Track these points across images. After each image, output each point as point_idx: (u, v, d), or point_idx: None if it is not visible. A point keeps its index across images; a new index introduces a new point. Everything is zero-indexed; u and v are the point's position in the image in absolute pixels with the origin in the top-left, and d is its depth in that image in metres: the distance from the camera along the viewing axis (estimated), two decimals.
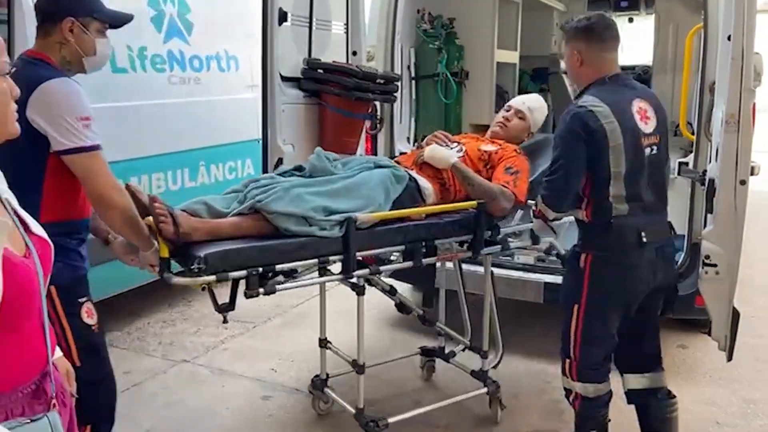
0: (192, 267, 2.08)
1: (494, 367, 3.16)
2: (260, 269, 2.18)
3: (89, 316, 2.13)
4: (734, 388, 3.39)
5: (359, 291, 2.62)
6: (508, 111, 3.17)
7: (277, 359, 3.73)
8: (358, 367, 2.71)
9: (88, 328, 2.15)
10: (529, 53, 5.73)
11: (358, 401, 2.74)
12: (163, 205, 2.11)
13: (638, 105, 2.38)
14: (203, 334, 4.11)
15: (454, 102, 4.71)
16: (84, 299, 2.15)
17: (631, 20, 6.77)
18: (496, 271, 3.26)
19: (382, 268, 2.63)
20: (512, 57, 5.29)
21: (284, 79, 3.30)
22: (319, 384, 3.09)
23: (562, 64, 6.16)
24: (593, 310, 2.43)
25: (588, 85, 2.42)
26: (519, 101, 3.22)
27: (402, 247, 2.55)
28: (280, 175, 2.61)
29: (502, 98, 5.03)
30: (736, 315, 2.59)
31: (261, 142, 3.80)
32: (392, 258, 2.91)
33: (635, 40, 7.80)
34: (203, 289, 2.18)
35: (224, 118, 4.51)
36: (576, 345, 2.48)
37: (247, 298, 2.22)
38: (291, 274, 2.39)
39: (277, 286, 2.28)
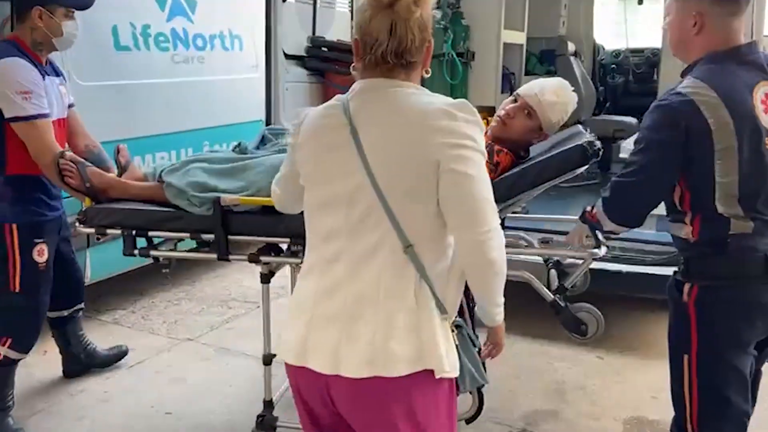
0: (78, 218, 2.40)
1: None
2: (133, 231, 2.34)
3: (39, 255, 2.59)
4: None
5: (263, 278, 2.42)
6: (514, 102, 2.33)
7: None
8: (265, 357, 2.51)
9: (36, 264, 2.64)
10: (537, 34, 5.68)
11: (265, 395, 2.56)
12: (69, 161, 2.45)
13: (766, 90, 1.75)
14: (207, 313, 4.13)
15: (460, 83, 4.68)
16: (39, 241, 2.61)
17: (640, 2, 6.68)
18: None
19: (263, 258, 2.35)
20: (519, 38, 5.24)
21: (288, 57, 3.28)
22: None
23: (571, 46, 6.18)
24: (710, 360, 1.81)
25: (697, 60, 1.81)
26: (531, 90, 2.30)
27: (287, 240, 2.27)
28: (234, 149, 2.61)
29: (508, 80, 4.99)
30: None
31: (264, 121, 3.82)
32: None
33: (645, 24, 7.73)
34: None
35: (228, 98, 4.50)
36: (694, 413, 1.84)
37: (125, 255, 2.41)
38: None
39: (152, 252, 2.42)
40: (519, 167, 2.22)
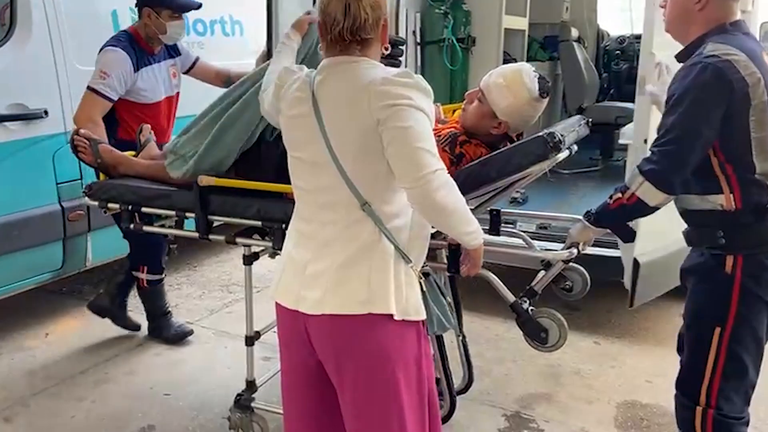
0: (84, 191, 2.54)
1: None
2: (129, 207, 2.44)
3: None
4: None
5: (245, 260, 2.43)
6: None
7: None
8: (247, 338, 2.53)
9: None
10: (539, 20, 5.63)
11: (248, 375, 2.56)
12: (83, 138, 2.59)
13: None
14: (207, 297, 4.17)
15: (460, 69, 4.66)
16: None
17: None
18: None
19: (238, 240, 2.36)
20: (521, 23, 5.20)
21: None
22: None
23: (574, 32, 6.11)
24: (744, 333, 1.85)
25: (702, 35, 1.86)
26: (486, 76, 2.23)
27: (258, 223, 2.27)
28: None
29: None
30: None
31: None
32: None
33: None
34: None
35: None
36: (715, 386, 1.88)
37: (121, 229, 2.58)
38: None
39: (145, 227, 2.52)
40: (481, 158, 2.14)
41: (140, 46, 3.18)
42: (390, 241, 1.61)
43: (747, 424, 1.96)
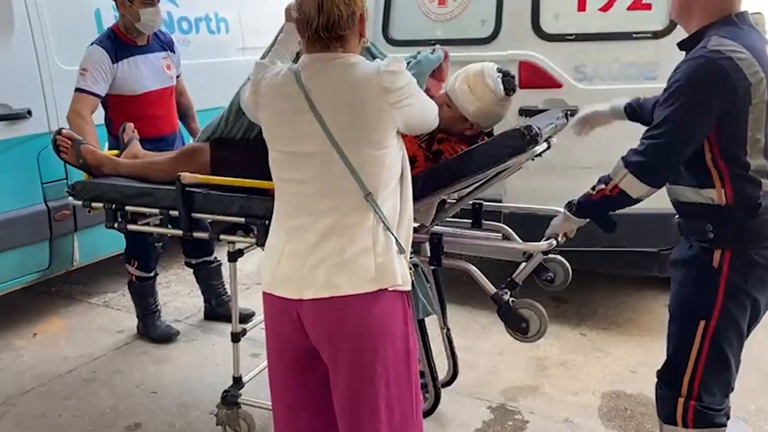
0: (65, 190, 2.54)
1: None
2: (113, 206, 2.43)
3: None
4: None
5: (229, 257, 2.44)
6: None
7: None
8: (233, 335, 2.54)
9: None
10: None
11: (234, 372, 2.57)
12: (65, 138, 2.60)
13: None
14: (196, 295, 4.15)
15: None
16: None
17: None
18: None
19: (222, 237, 2.37)
20: None
21: None
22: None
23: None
24: (728, 327, 1.86)
25: (707, 26, 1.82)
26: (452, 79, 2.22)
27: (241, 220, 2.26)
28: None
29: None
30: None
31: None
32: None
33: None
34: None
35: (214, 82, 4.48)
36: (697, 378, 1.89)
37: (107, 228, 2.52)
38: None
39: (129, 226, 2.50)
40: (460, 153, 2.17)
41: (120, 39, 3.22)
42: (388, 229, 1.67)
43: (727, 416, 1.96)
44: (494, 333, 3.48)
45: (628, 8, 3.34)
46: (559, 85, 3.42)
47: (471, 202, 2.53)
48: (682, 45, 1.90)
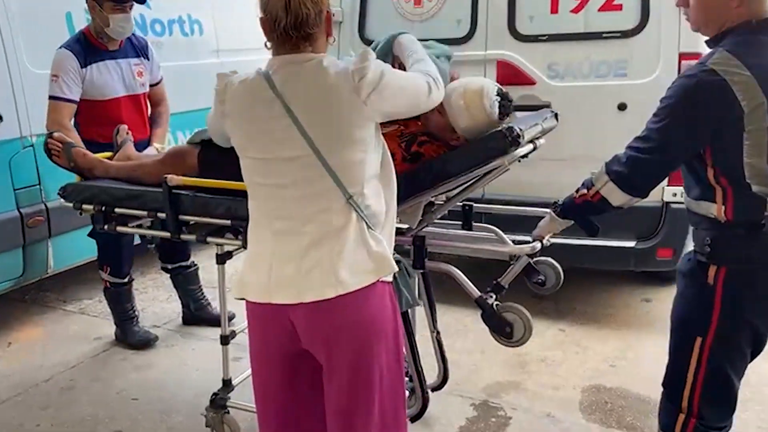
0: (57, 192, 2.51)
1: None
2: (102, 208, 2.41)
3: None
4: None
5: (218, 259, 2.44)
6: None
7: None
8: (222, 338, 2.55)
9: None
10: None
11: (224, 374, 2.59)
12: (56, 142, 2.63)
13: None
14: (174, 300, 4.10)
15: None
16: None
17: None
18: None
19: (209, 239, 2.36)
20: None
21: None
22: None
23: None
24: (726, 347, 1.79)
25: (725, 31, 1.71)
26: (451, 86, 2.11)
27: (227, 222, 2.25)
28: None
29: None
30: None
31: None
32: None
33: None
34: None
35: (188, 84, 4.44)
36: (696, 394, 1.83)
37: (99, 231, 2.50)
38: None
39: (119, 228, 2.49)
40: (442, 155, 2.12)
41: (90, 42, 3.16)
42: (370, 228, 1.66)
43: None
44: (475, 331, 3.51)
45: (599, 9, 3.43)
46: (533, 83, 3.54)
47: (461, 203, 2.48)
48: (708, 44, 1.79)
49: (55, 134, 2.67)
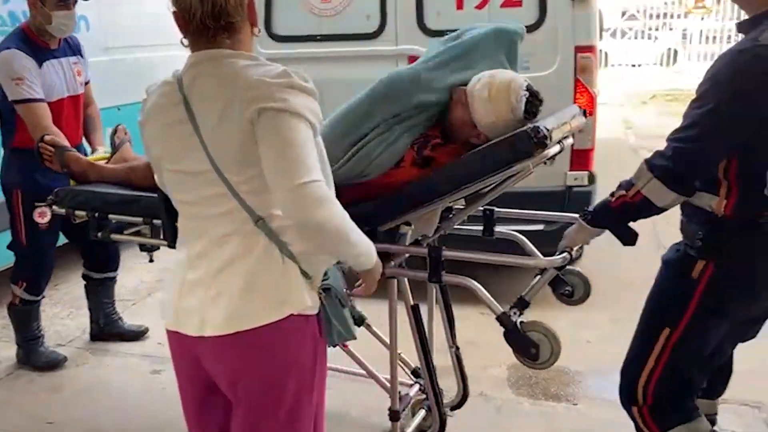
0: (48, 198, 2.39)
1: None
2: (96, 214, 2.31)
3: (40, 217, 2.49)
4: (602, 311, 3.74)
5: None
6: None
7: (163, 333, 3.56)
8: None
9: (36, 225, 2.59)
10: None
11: None
12: (48, 146, 2.56)
13: None
14: (77, 315, 3.85)
15: None
16: (40, 205, 2.47)
17: None
18: None
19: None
20: None
21: None
22: None
23: None
24: (695, 344, 1.75)
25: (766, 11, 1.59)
26: (477, 77, 1.93)
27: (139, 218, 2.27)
28: None
29: None
30: None
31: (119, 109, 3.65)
32: None
33: None
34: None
35: None
36: (651, 384, 1.81)
37: (93, 238, 2.37)
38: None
39: (112, 236, 2.38)
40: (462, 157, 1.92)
41: (33, 41, 2.93)
42: (287, 254, 1.47)
43: (695, 411, 1.86)
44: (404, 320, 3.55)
45: (501, 5, 3.61)
46: None
47: (482, 208, 2.26)
48: (740, 27, 1.67)
49: (47, 138, 2.58)
